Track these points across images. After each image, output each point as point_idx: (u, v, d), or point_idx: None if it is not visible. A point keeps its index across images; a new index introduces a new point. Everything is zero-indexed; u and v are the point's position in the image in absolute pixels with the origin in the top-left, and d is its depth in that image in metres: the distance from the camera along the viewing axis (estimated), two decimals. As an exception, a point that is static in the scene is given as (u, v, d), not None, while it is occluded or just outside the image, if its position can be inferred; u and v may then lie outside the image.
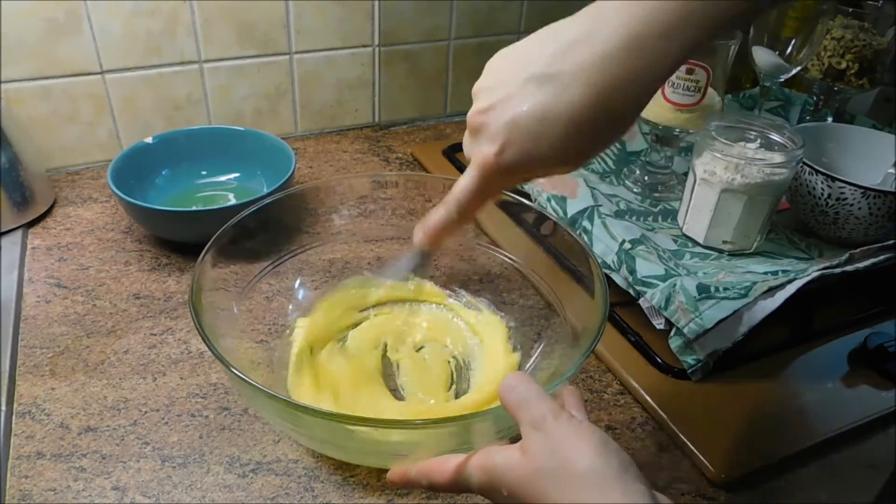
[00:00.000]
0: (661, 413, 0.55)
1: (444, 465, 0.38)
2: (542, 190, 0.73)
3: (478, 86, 0.39)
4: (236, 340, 0.52)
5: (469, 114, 0.39)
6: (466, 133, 0.40)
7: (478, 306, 0.63)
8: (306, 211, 0.62)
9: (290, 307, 0.60)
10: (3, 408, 0.53)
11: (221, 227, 0.54)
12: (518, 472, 0.34)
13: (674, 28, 0.33)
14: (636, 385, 0.57)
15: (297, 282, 0.61)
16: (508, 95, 0.36)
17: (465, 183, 0.40)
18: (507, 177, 0.38)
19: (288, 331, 0.58)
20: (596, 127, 0.35)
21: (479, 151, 0.38)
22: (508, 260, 0.63)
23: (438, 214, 0.42)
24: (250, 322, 0.56)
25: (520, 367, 0.57)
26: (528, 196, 0.72)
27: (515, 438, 0.36)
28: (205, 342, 0.44)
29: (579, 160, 0.38)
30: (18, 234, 0.72)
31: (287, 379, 0.54)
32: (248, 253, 0.57)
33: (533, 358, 0.57)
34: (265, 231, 0.58)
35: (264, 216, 0.57)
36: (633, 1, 0.33)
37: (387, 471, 0.41)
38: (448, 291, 0.64)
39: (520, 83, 0.36)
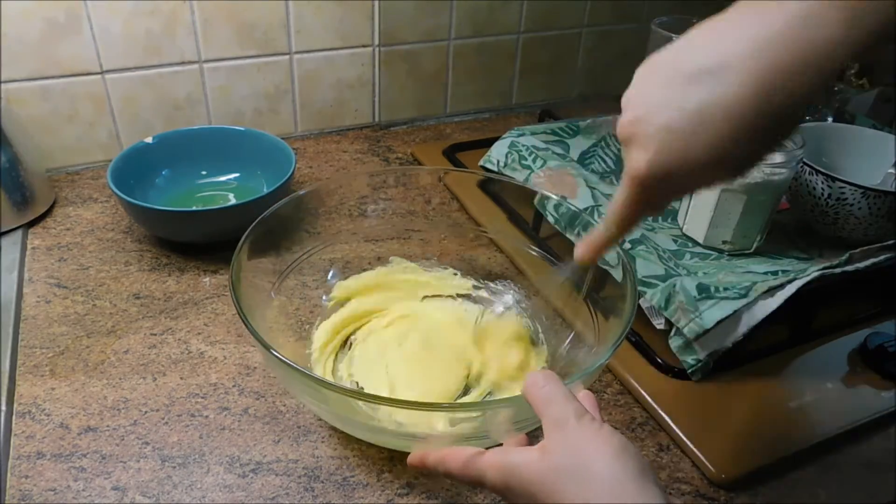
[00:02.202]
0: (661, 413, 0.55)
1: (459, 455, 0.39)
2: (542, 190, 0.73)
3: (627, 95, 0.36)
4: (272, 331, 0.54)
5: (619, 126, 0.37)
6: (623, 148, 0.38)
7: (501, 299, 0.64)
8: (307, 211, 0.62)
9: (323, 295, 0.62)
10: (4, 408, 0.53)
11: (254, 221, 0.54)
12: (535, 470, 0.34)
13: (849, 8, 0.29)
14: (636, 385, 0.57)
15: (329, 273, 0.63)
16: (661, 100, 0.34)
17: (618, 196, 0.38)
18: (661, 187, 0.36)
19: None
20: (756, 124, 0.32)
21: (631, 161, 0.36)
22: (534, 253, 0.64)
23: (598, 231, 0.41)
24: (286, 315, 0.57)
25: (547, 362, 0.57)
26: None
27: (530, 435, 0.37)
28: (245, 324, 0.45)
29: (739, 166, 0.35)
30: (18, 234, 0.72)
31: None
32: (279, 245, 0.58)
33: (561, 352, 0.57)
34: (279, 232, 0.58)
35: (279, 216, 0.57)
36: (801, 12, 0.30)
37: (386, 469, 0.42)
38: (475, 282, 0.65)
39: (672, 85, 0.33)
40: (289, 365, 0.42)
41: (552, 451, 0.35)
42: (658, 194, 0.37)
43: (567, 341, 0.57)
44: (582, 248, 0.43)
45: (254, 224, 0.53)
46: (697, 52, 0.33)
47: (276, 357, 0.42)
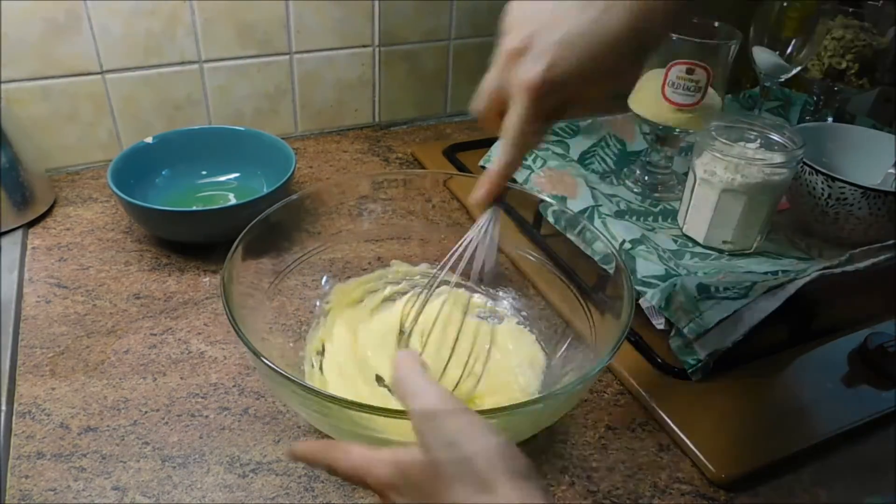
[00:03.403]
0: (662, 413, 0.55)
1: (346, 449, 0.38)
2: (542, 190, 0.73)
3: (512, 18, 0.41)
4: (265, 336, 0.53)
5: (504, 45, 0.40)
6: (496, 68, 0.41)
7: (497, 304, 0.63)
8: (307, 211, 0.62)
9: (317, 302, 0.61)
10: (4, 408, 0.53)
11: (237, 225, 0.53)
12: (419, 468, 0.34)
13: None
14: (636, 385, 0.57)
15: (323, 278, 0.62)
16: (555, 17, 0.39)
17: (513, 113, 0.41)
18: (554, 95, 0.40)
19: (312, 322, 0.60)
20: (631, 45, 0.39)
21: (526, 72, 0.39)
22: (531, 258, 0.63)
23: (497, 159, 0.43)
24: (276, 317, 0.56)
25: (546, 366, 0.57)
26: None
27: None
28: (236, 332, 0.45)
29: (620, 77, 0.41)
30: (19, 234, 0.72)
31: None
32: (273, 247, 0.57)
33: (558, 356, 0.57)
34: (281, 230, 0.58)
35: (284, 214, 0.57)
36: None
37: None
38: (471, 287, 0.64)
39: (563, 7, 0.39)
40: (274, 370, 0.41)
41: (430, 446, 0.34)
42: (549, 103, 0.40)
43: (565, 346, 0.57)
44: (484, 185, 0.45)
45: (245, 230, 0.53)
46: None
47: (267, 364, 0.42)
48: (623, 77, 0.42)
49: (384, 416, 0.40)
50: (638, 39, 0.39)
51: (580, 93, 0.41)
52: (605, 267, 0.54)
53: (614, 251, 0.52)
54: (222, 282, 0.48)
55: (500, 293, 0.64)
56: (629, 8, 0.38)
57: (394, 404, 0.40)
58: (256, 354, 0.43)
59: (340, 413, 0.43)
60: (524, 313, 0.62)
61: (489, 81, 0.42)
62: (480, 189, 0.45)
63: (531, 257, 0.63)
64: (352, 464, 0.37)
